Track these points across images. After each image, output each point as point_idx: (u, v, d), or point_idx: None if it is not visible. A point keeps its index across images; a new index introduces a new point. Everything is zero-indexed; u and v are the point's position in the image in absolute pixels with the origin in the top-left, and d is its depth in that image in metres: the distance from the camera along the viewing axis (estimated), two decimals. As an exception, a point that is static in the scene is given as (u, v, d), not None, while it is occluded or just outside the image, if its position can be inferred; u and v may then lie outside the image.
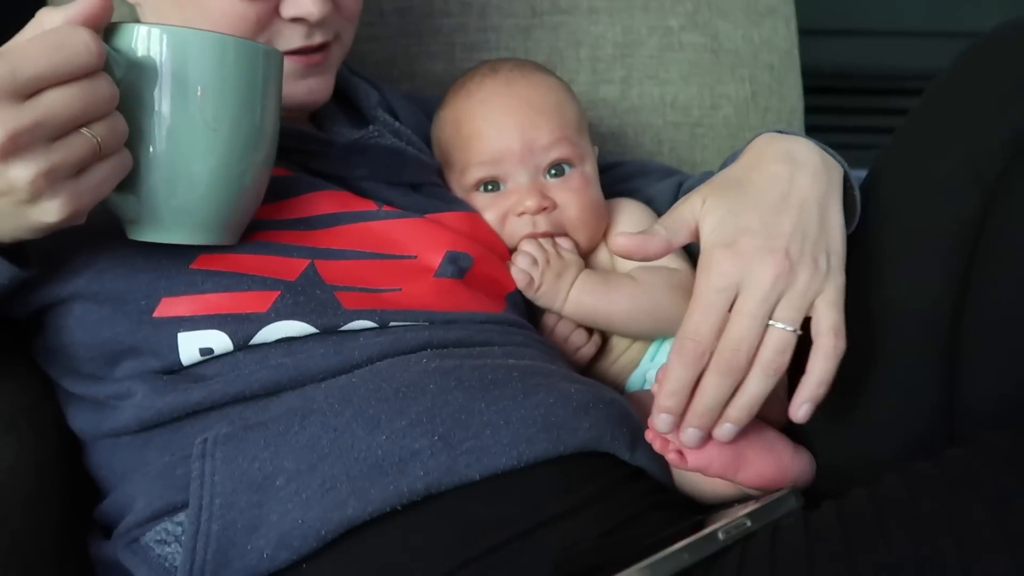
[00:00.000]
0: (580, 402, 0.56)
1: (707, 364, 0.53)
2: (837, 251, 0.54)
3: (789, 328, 0.52)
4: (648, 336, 0.73)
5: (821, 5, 1.12)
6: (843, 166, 0.59)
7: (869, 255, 0.58)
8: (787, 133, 0.60)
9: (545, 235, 0.70)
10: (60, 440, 0.62)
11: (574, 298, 0.69)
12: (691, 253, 0.77)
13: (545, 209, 0.69)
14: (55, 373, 0.61)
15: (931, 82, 0.60)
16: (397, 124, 0.73)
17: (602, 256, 0.75)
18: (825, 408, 0.55)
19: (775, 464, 0.57)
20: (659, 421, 0.54)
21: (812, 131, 0.99)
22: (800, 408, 0.54)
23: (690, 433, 0.54)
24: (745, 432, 0.55)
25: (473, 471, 0.52)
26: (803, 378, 0.53)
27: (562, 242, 0.71)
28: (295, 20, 0.62)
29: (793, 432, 0.58)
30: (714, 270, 0.53)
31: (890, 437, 0.56)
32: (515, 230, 0.70)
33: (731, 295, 0.52)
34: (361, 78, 0.76)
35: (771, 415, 0.58)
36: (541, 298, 0.69)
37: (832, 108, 1.35)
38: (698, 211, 0.56)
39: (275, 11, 0.61)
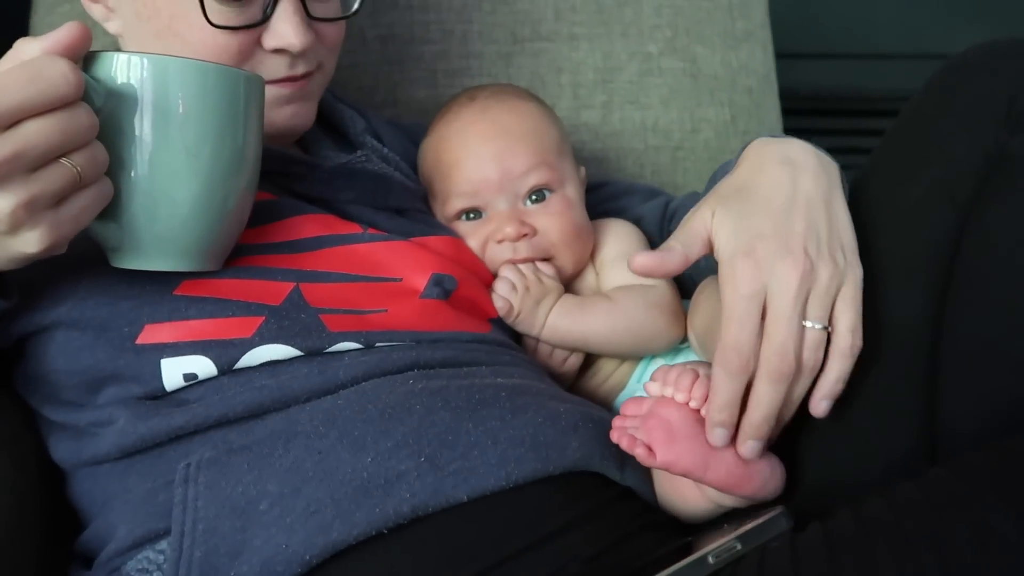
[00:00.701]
0: (569, 421, 0.56)
1: (752, 373, 0.53)
2: (851, 245, 0.55)
3: (819, 326, 0.53)
4: (629, 355, 0.73)
5: (796, 29, 1.14)
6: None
7: None
8: (778, 137, 0.61)
9: (526, 260, 0.70)
10: (40, 471, 0.61)
11: (551, 323, 0.69)
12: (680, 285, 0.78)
13: (525, 236, 0.70)
14: (36, 402, 0.61)
15: (904, 104, 0.61)
16: (385, 150, 0.74)
17: (589, 278, 0.75)
18: (808, 425, 0.55)
19: (742, 467, 0.56)
20: (714, 436, 0.54)
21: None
22: (820, 404, 0.54)
23: (750, 446, 0.54)
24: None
25: (461, 492, 0.51)
26: (821, 375, 0.54)
27: (544, 267, 0.71)
28: (277, 51, 0.62)
29: (777, 452, 0.58)
30: (739, 279, 0.53)
31: (874, 455, 0.57)
32: (495, 256, 0.71)
33: (761, 301, 0.53)
34: (346, 104, 0.77)
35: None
36: (520, 324, 0.69)
37: (809, 130, 1.37)
38: (709, 223, 0.56)
39: (257, 42, 0.62)
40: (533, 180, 0.70)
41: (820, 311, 0.53)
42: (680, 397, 0.56)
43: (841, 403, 0.55)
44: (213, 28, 0.59)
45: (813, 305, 0.53)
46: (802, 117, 1.25)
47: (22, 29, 0.85)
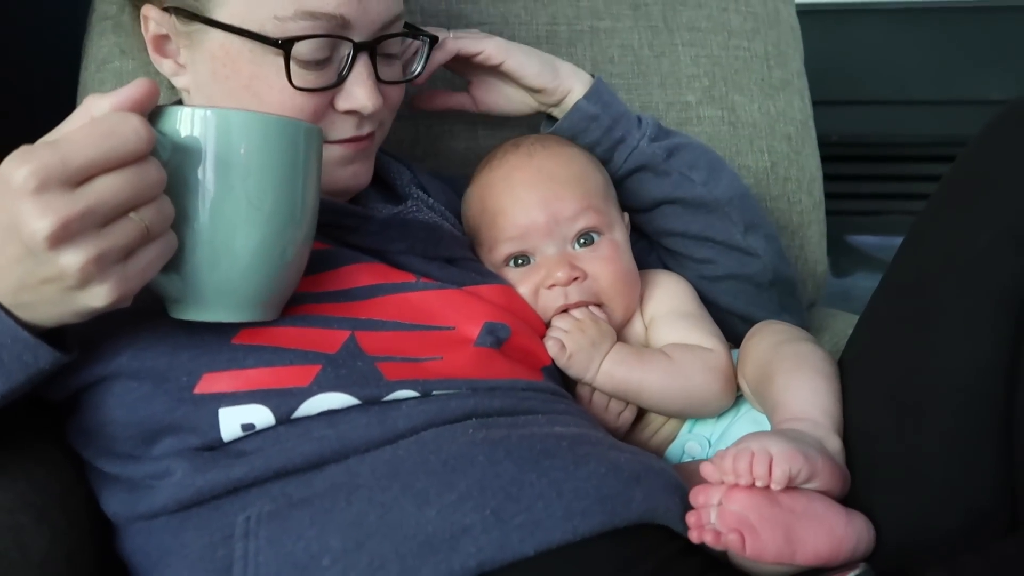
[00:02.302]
0: (631, 471, 0.55)
1: None
2: None
3: None
4: (678, 414, 0.72)
5: (829, 76, 1.15)
6: None
7: (915, 322, 0.58)
8: None
9: (579, 305, 0.70)
10: (91, 527, 0.61)
11: (606, 369, 0.68)
12: (725, 312, 0.77)
13: (576, 279, 0.69)
14: (89, 454, 0.60)
15: (962, 151, 0.61)
16: (431, 200, 0.74)
17: (637, 328, 0.74)
18: (884, 479, 0.53)
19: (828, 537, 0.54)
20: None
21: (827, 198, 1.01)
22: None
23: None
24: (793, 507, 0.54)
25: (527, 546, 0.50)
26: None
27: (596, 312, 0.70)
28: (348, 112, 0.64)
29: (854, 506, 0.56)
30: None
31: (952, 508, 0.55)
32: (548, 304, 0.70)
33: None
34: (392, 157, 0.78)
35: (833, 488, 0.56)
36: (574, 367, 0.68)
37: (844, 176, 1.37)
38: None
39: (330, 104, 0.64)
40: (581, 223, 0.70)
41: None
42: (744, 482, 0.54)
43: (916, 450, 0.53)
44: (293, 90, 0.61)
45: None
46: (837, 163, 1.25)
47: (72, 84, 0.87)
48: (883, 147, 1.40)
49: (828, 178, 1.02)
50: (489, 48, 0.74)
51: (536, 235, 0.70)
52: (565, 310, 0.70)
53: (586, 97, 0.75)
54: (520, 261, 0.72)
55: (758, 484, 0.53)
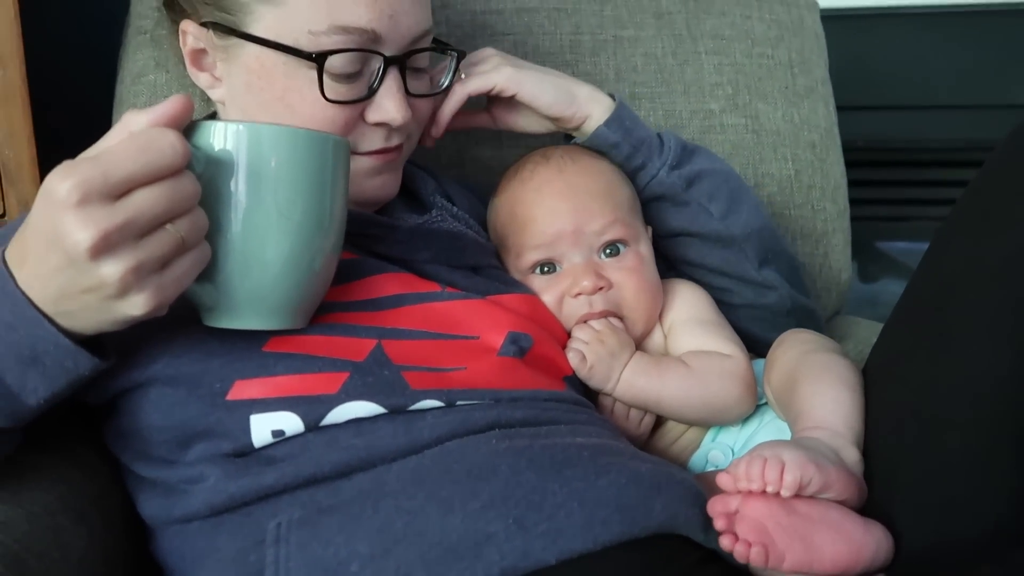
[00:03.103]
0: (652, 482, 0.55)
1: None
2: None
3: None
4: (699, 423, 0.72)
5: (855, 82, 1.15)
6: None
7: (936, 332, 0.58)
8: None
9: (603, 314, 0.71)
10: (126, 528, 0.63)
11: (626, 379, 0.69)
12: (744, 336, 0.78)
13: (601, 288, 0.70)
14: (127, 457, 0.62)
15: (986, 160, 0.60)
16: (455, 209, 0.75)
17: (656, 338, 0.75)
18: (903, 491, 0.53)
19: (847, 545, 0.54)
20: None
21: (852, 204, 1.00)
22: None
23: None
24: (810, 515, 0.54)
25: (549, 554, 0.51)
26: None
27: (616, 323, 0.71)
28: (378, 124, 0.66)
29: (873, 516, 0.56)
30: None
31: (971, 520, 0.54)
32: (572, 312, 0.71)
33: None
34: (417, 166, 0.79)
35: (848, 498, 0.56)
36: (595, 377, 0.69)
37: (870, 181, 1.37)
38: None
39: (360, 116, 0.66)
40: (608, 235, 0.71)
41: None
42: (756, 487, 0.54)
43: (935, 459, 0.53)
44: (325, 102, 0.63)
45: None
46: (862, 168, 1.25)
47: (109, 97, 0.89)
48: (910, 152, 1.39)
49: (854, 183, 1.01)
50: (500, 82, 0.73)
51: (564, 243, 0.71)
52: (587, 320, 0.71)
53: (607, 124, 0.74)
54: (546, 268, 0.73)
55: (769, 490, 0.54)
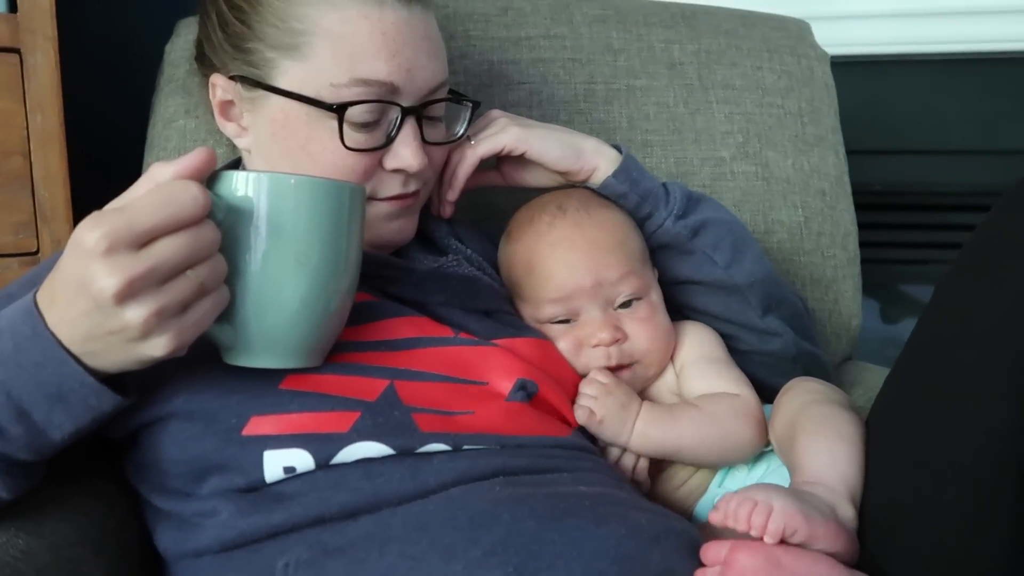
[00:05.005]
0: (651, 533, 0.56)
1: None
2: None
3: None
4: (715, 464, 0.73)
5: (867, 125, 1.16)
6: None
7: (935, 386, 0.58)
8: None
9: (619, 368, 0.72)
10: (142, 561, 0.64)
11: (640, 430, 0.69)
12: (750, 380, 0.78)
13: (618, 341, 0.72)
14: (145, 489, 0.64)
15: (987, 213, 0.61)
16: (469, 251, 0.77)
17: (668, 378, 0.76)
18: (900, 541, 0.53)
19: None
20: None
21: (872, 246, 1.01)
22: None
23: None
24: (796, 568, 0.54)
25: None
26: None
27: (622, 375, 0.73)
28: (396, 171, 0.69)
29: (868, 570, 0.57)
30: None
31: (969, 574, 0.55)
32: (591, 362, 0.72)
33: None
34: (429, 210, 0.82)
35: (839, 552, 0.57)
36: (606, 431, 0.69)
37: (882, 224, 1.37)
38: None
39: (379, 163, 0.69)
40: (624, 288, 0.73)
41: None
42: (741, 528, 0.55)
43: (931, 511, 0.54)
44: (345, 150, 0.66)
45: None
46: (875, 212, 1.26)
47: (141, 140, 0.93)
48: (925, 196, 1.40)
49: (871, 227, 1.02)
50: (508, 143, 0.76)
51: (582, 297, 0.72)
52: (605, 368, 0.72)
53: (614, 175, 0.76)
54: (563, 320, 0.74)
55: (752, 534, 0.55)
